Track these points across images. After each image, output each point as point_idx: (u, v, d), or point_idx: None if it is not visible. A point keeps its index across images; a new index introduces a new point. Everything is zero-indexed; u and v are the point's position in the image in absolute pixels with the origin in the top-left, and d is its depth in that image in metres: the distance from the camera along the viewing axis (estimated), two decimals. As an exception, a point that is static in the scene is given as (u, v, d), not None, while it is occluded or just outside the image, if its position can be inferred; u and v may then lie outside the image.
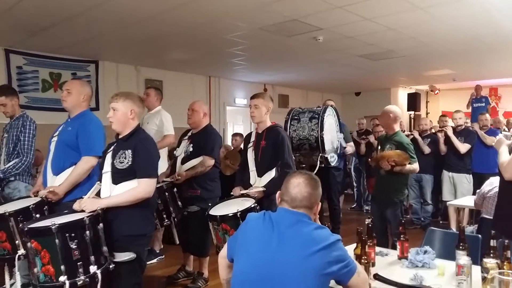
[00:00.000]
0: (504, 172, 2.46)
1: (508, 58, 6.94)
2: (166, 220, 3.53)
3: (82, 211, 2.40)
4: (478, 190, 3.85)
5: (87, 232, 2.26)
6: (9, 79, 5.97)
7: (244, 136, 4.67)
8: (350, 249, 2.21)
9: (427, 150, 6.09)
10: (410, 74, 8.90)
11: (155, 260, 4.57)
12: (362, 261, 2.10)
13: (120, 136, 2.66)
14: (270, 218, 1.78)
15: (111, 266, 2.39)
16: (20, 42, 5.71)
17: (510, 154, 2.50)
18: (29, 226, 2.27)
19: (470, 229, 4.67)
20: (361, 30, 5.18)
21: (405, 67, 7.88)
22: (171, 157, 4.48)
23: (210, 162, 3.72)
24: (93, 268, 2.27)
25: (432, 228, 3.13)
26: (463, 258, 2.02)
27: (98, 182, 2.62)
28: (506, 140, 2.66)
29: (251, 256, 1.72)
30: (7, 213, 2.64)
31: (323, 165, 4.23)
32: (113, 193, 2.52)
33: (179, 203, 3.65)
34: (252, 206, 2.92)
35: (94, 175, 2.93)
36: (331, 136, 4.36)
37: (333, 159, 4.38)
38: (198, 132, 3.87)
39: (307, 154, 4.27)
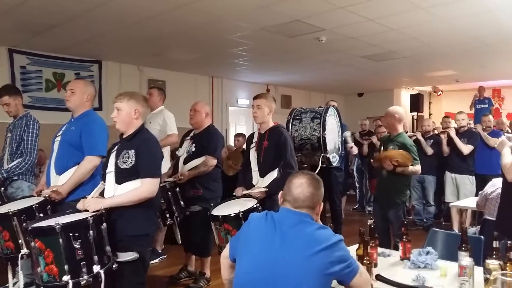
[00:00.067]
0: (507, 174, 2.46)
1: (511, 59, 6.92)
2: (169, 220, 3.54)
3: (86, 210, 2.41)
4: (480, 192, 3.84)
5: (91, 231, 2.27)
6: (12, 79, 5.99)
7: (246, 137, 4.68)
8: (352, 250, 2.21)
9: (429, 151, 6.09)
10: (412, 75, 8.89)
11: (157, 260, 4.58)
12: (364, 261, 2.10)
13: (124, 136, 2.67)
14: (272, 218, 1.79)
15: (114, 266, 2.40)
16: (24, 42, 5.73)
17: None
18: (33, 226, 2.28)
19: (472, 231, 4.64)
20: (364, 30, 5.18)
21: (408, 68, 7.87)
22: (173, 157, 4.49)
23: (213, 162, 3.73)
24: (96, 268, 2.27)
25: (435, 229, 3.12)
26: (465, 259, 2.02)
27: (102, 182, 2.62)
28: (509, 142, 2.65)
29: (254, 256, 1.73)
30: (10, 212, 2.64)
31: (324, 165, 4.23)
32: (117, 193, 2.52)
33: (182, 202, 3.67)
34: (255, 206, 2.92)
35: (97, 174, 2.94)
36: (333, 136, 4.36)
37: (334, 159, 4.38)
38: (201, 132, 3.88)
39: (309, 154, 4.27)
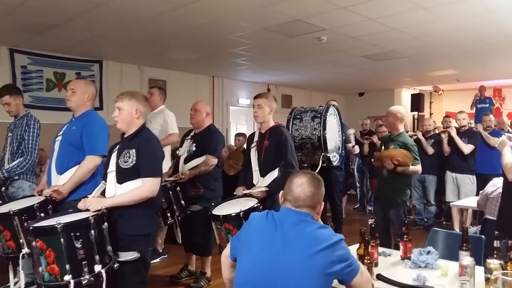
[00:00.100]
0: (508, 173, 2.46)
1: (513, 59, 6.92)
2: (170, 219, 3.55)
3: (87, 210, 2.42)
4: (481, 191, 3.84)
5: (92, 231, 2.27)
6: (13, 79, 6.00)
7: (247, 136, 4.68)
8: (353, 249, 2.21)
9: (430, 150, 6.08)
10: (413, 74, 8.88)
11: (158, 260, 4.58)
12: (365, 261, 2.10)
13: (125, 136, 2.67)
14: (273, 217, 1.79)
15: (115, 266, 2.40)
16: (25, 41, 5.74)
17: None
18: (34, 225, 2.28)
19: (473, 230, 4.64)
20: (365, 30, 5.18)
21: (409, 67, 7.86)
22: (174, 156, 4.49)
23: (214, 161, 3.73)
24: (98, 267, 2.27)
25: (435, 228, 3.12)
26: (466, 258, 2.02)
27: (103, 181, 2.62)
28: (510, 142, 2.65)
29: (254, 255, 1.73)
30: (11, 212, 2.65)
31: (325, 164, 4.23)
32: (118, 192, 2.52)
33: (182, 202, 3.67)
34: (255, 206, 2.92)
35: (98, 174, 2.95)
36: (334, 135, 4.36)
37: (335, 159, 4.38)
38: (201, 132, 3.88)
39: (309, 154, 4.28)
